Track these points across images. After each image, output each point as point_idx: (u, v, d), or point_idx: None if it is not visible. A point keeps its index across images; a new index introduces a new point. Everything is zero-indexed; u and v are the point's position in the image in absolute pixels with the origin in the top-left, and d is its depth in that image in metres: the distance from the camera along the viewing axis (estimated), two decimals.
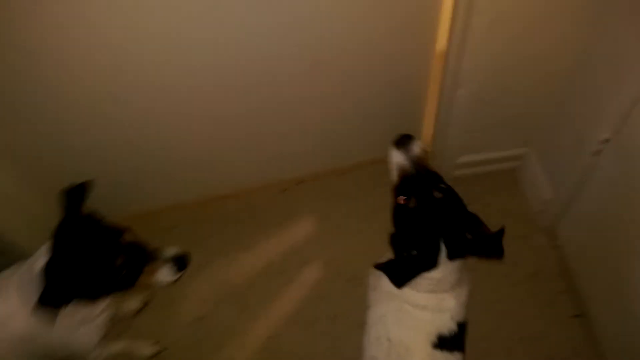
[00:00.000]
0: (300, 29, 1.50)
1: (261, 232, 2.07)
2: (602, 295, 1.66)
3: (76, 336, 1.33)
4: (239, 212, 2.14)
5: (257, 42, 1.50)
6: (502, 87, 1.69)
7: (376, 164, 2.17)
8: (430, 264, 1.10)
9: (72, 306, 1.12)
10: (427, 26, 1.62)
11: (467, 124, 1.84)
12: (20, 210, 1.75)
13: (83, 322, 1.32)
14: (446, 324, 1.18)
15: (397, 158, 1.21)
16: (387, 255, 1.26)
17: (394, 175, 1.22)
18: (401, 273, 1.10)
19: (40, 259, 1.13)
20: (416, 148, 1.21)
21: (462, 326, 1.20)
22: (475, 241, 1.11)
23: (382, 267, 1.11)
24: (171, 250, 1.25)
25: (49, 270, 1.09)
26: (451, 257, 1.09)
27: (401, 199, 1.16)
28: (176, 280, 1.25)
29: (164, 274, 1.22)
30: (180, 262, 1.25)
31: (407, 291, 1.14)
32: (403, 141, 1.21)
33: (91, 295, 1.19)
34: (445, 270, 1.11)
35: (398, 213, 1.19)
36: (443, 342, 1.16)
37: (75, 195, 1.18)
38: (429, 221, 1.11)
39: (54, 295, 1.08)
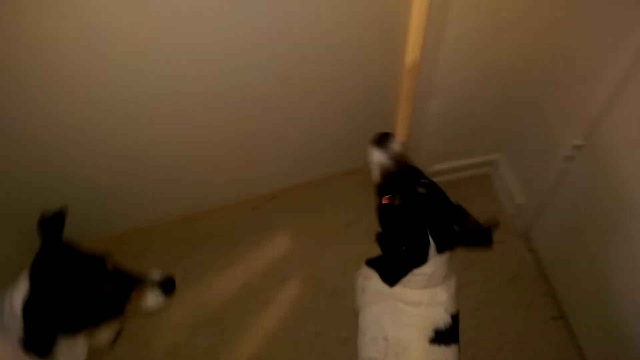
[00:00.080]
0: (270, 44, 1.46)
1: (235, 252, 2.00)
2: (578, 297, 1.69)
3: None
4: (211, 232, 2.06)
5: (225, 57, 1.46)
6: (475, 95, 1.70)
7: (350, 175, 2.16)
8: (421, 259, 1.09)
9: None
10: (398, 40, 1.61)
11: (440, 133, 1.84)
12: None
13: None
14: (441, 318, 1.18)
15: (378, 157, 1.20)
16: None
17: (376, 175, 1.21)
18: (392, 270, 1.09)
19: (18, 289, 1.04)
20: (396, 145, 1.21)
21: (455, 317, 1.20)
22: (463, 232, 1.11)
23: (373, 262, 1.11)
24: (156, 274, 1.20)
25: (32, 309, 1.01)
26: (440, 250, 1.09)
27: (386, 198, 1.15)
28: (164, 305, 1.20)
29: (152, 299, 1.17)
30: (167, 286, 1.20)
31: (399, 289, 1.13)
32: (382, 139, 1.21)
33: (77, 328, 1.12)
34: (435, 264, 1.11)
35: (383, 212, 1.18)
36: (440, 337, 1.16)
37: (52, 224, 1.11)
38: (416, 217, 1.10)
39: (40, 338, 1.01)
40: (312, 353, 1.76)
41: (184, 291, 1.87)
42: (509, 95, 1.72)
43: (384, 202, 1.15)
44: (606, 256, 1.46)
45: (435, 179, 2.01)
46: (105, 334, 1.70)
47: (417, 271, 1.10)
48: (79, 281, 1.07)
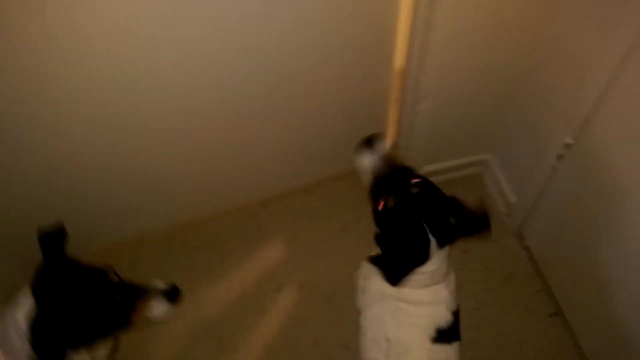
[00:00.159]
0: (260, 54, 1.45)
1: (230, 261, 1.98)
2: (574, 293, 1.71)
3: None
4: (204, 242, 2.03)
5: (215, 69, 1.45)
6: (463, 96, 1.71)
7: (342, 178, 2.15)
8: (423, 257, 1.08)
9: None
10: (386, 46, 1.61)
11: (430, 136, 1.85)
12: None
13: None
14: (443, 316, 1.17)
15: (367, 160, 1.19)
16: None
17: (367, 178, 1.20)
18: (396, 269, 1.08)
19: (21, 307, 1.02)
20: (384, 146, 1.19)
21: (456, 314, 1.19)
22: (461, 222, 1.10)
23: (376, 261, 1.09)
24: (160, 283, 1.19)
25: (41, 326, 0.99)
26: (441, 244, 1.08)
27: (380, 204, 1.13)
28: (170, 313, 1.20)
29: (158, 308, 1.17)
30: (172, 294, 1.19)
31: (401, 289, 1.12)
32: (370, 142, 1.19)
33: (87, 341, 1.10)
34: (437, 261, 1.10)
35: (379, 217, 1.16)
36: (441, 335, 1.15)
37: (53, 239, 1.09)
38: (413, 217, 1.08)
39: (51, 354, 1.00)
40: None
41: (181, 302, 1.84)
42: (497, 96, 1.75)
43: (379, 207, 1.13)
44: (599, 252, 1.48)
45: None
46: (103, 348, 1.68)
47: (420, 270, 1.09)
48: (88, 294, 1.06)
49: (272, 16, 1.35)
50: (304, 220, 2.09)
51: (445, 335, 1.16)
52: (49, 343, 1.00)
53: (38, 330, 0.99)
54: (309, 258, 1.98)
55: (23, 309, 1.01)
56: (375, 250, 1.22)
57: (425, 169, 2.04)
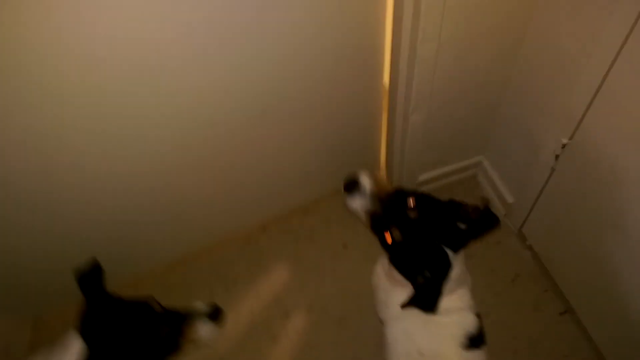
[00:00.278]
0: (253, 75, 1.42)
1: (233, 291, 1.94)
2: (582, 289, 1.71)
3: None
4: (205, 274, 1.99)
5: (209, 99, 1.42)
6: (454, 104, 1.71)
7: (337, 195, 2.13)
8: (445, 270, 1.09)
9: None
10: (375, 63, 1.61)
11: (423, 145, 1.85)
12: None
13: None
14: (471, 321, 1.18)
15: (356, 204, 1.19)
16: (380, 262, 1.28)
17: (363, 218, 1.20)
18: (429, 298, 1.08)
19: (70, 352, 1.01)
20: (368, 184, 1.19)
21: (479, 316, 1.21)
22: (471, 226, 1.11)
23: (411, 303, 1.08)
24: (201, 305, 1.23)
25: None
26: (456, 250, 1.10)
27: (387, 237, 1.14)
28: (217, 333, 1.23)
29: (205, 330, 1.20)
30: (215, 314, 1.22)
31: None
32: (352, 185, 1.19)
33: None
34: (457, 265, 1.11)
35: (391, 250, 1.17)
36: (472, 341, 1.16)
37: (91, 278, 1.09)
38: (423, 241, 1.10)
39: None
40: None
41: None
42: (489, 100, 1.76)
43: (387, 241, 1.14)
44: (603, 246, 1.48)
45: (424, 188, 2.06)
46: None
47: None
48: (136, 328, 1.07)
49: (262, 40, 1.33)
50: (304, 241, 2.06)
51: (475, 340, 1.17)
52: None
53: None
54: (314, 279, 1.95)
55: (72, 352, 1.01)
56: (383, 260, 1.25)
57: (421, 178, 2.04)
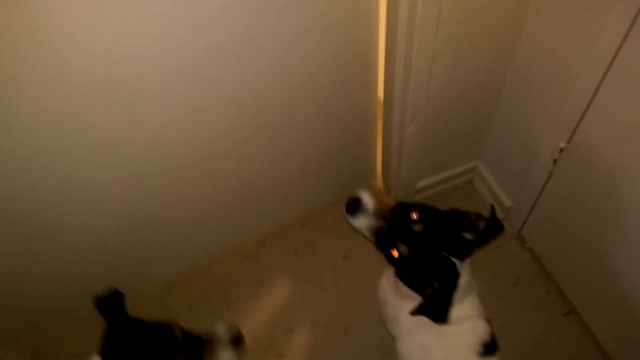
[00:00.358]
0: (245, 94, 1.41)
1: (235, 308, 1.91)
2: (584, 289, 1.72)
3: None
4: (205, 292, 1.96)
5: (204, 115, 1.40)
6: (450, 112, 1.72)
7: (335, 206, 2.13)
8: (454, 279, 1.10)
9: None
10: (370, 75, 1.62)
11: (420, 154, 1.85)
12: None
13: None
14: (483, 328, 1.19)
15: (359, 223, 1.19)
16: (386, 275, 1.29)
17: (368, 236, 1.20)
18: (439, 308, 1.08)
19: None
20: (369, 202, 1.18)
21: (489, 322, 1.21)
22: (478, 234, 1.12)
23: (419, 311, 1.09)
24: (222, 328, 1.23)
25: None
26: (462, 259, 1.10)
27: (394, 253, 1.14)
28: (237, 358, 1.23)
29: (226, 355, 1.20)
30: (237, 340, 1.22)
31: None
32: (354, 205, 1.19)
33: None
34: (465, 274, 1.12)
35: (398, 265, 1.18)
36: (486, 349, 1.16)
37: (112, 302, 1.11)
38: (430, 254, 1.10)
39: None
40: None
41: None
42: (484, 106, 1.77)
43: (395, 256, 1.14)
44: (603, 246, 1.49)
45: (422, 195, 2.06)
46: None
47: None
48: (158, 352, 1.07)
49: (257, 54, 1.32)
50: (304, 254, 2.05)
51: (489, 347, 1.17)
52: None
53: None
54: (316, 292, 1.93)
55: None
56: (389, 273, 1.26)
57: (419, 185, 2.04)
